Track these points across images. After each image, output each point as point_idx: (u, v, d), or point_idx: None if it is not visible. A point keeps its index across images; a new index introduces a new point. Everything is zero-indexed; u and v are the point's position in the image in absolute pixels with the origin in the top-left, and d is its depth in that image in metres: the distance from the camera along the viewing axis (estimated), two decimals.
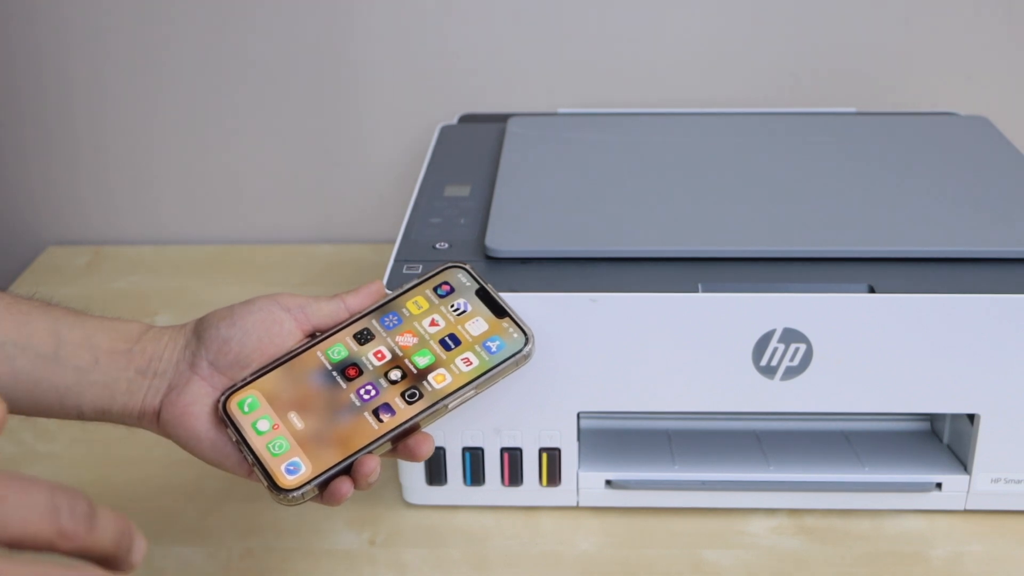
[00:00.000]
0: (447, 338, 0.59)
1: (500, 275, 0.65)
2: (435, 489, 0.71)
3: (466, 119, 0.96)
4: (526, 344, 0.58)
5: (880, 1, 0.98)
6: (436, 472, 0.70)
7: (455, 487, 0.71)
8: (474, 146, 0.87)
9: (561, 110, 0.98)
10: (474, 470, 0.70)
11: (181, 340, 0.58)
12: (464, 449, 0.69)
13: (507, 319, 0.60)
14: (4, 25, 1.01)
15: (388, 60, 1.02)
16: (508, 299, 0.61)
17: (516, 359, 0.58)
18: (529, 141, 0.84)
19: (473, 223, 0.73)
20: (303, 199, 1.09)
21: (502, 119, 0.92)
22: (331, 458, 0.54)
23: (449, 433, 0.69)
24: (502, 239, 0.68)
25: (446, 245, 0.70)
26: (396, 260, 0.69)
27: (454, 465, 0.70)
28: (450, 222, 0.74)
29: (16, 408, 0.56)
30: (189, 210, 1.10)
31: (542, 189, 0.75)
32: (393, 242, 0.71)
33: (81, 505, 0.35)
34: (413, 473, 0.71)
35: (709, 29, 1.00)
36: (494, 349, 0.58)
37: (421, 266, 0.68)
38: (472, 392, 0.57)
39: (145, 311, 0.98)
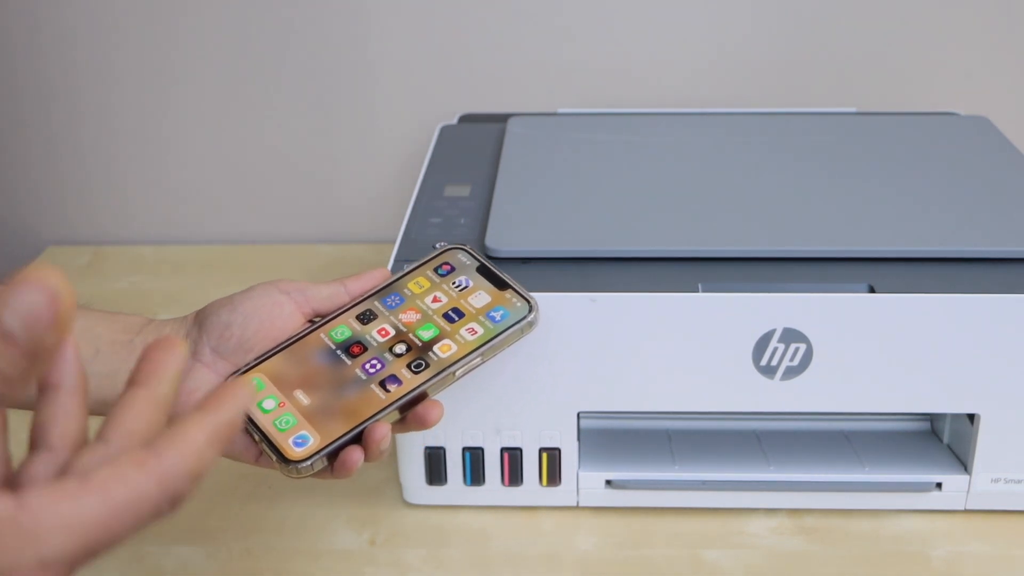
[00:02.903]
0: (450, 312, 0.60)
1: None
2: (435, 489, 0.71)
3: (466, 119, 0.96)
4: (530, 311, 0.59)
5: (880, 1, 0.98)
6: (436, 472, 0.70)
7: (455, 487, 0.71)
8: (474, 146, 0.87)
9: (561, 110, 0.98)
10: (474, 470, 0.70)
11: (182, 330, 0.59)
12: (464, 449, 0.69)
13: (509, 290, 0.60)
14: (5, 26, 1.01)
15: (388, 60, 1.02)
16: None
17: (521, 326, 0.59)
18: (529, 141, 0.84)
19: (473, 223, 0.73)
20: (303, 199, 1.09)
21: (502, 119, 0.92)
22: (339, 428, 0.54)
23: (449, 433, 0.69)
24: (502, 239, 0.68)
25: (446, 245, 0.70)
26: (396, 260, 0.69)
27: (454, 465, 0.70)
28: (450, 222, 0.74)
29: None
30: (189, 210, 1.10)
31: (542, 189, 0.76)
32: (393, 242, 0.71)
33: None
34: (413, 473, 0.71)
35: (709, 29, 1.00)
36: (498, 318, 0.59)
37: None
38: (479, 360, 0.58)
39: (145, 311, 0.97)
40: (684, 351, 0.65)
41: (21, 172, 1.09)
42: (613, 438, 0.73)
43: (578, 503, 0.72)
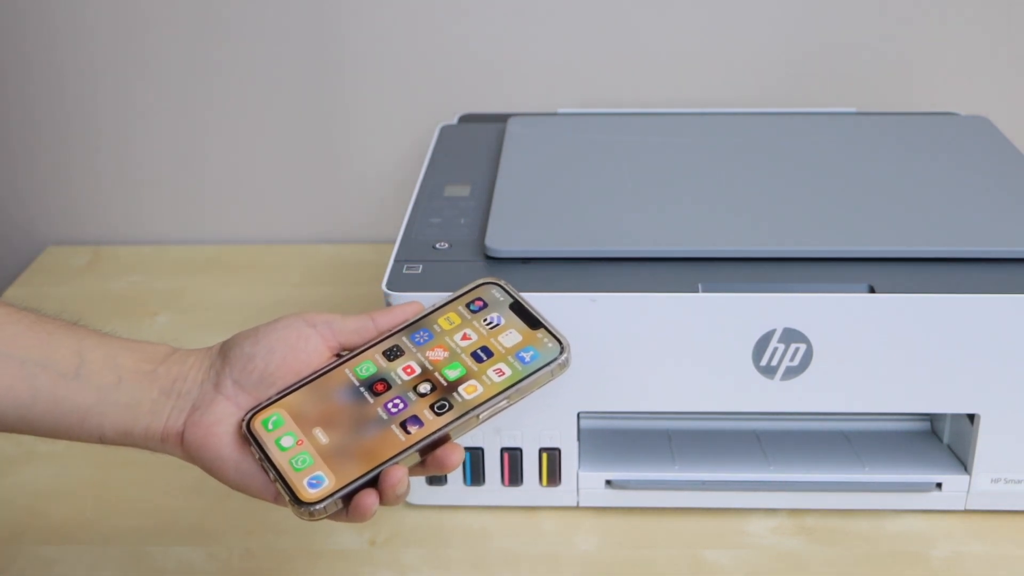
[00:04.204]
0: (479, 350, 0.58)
1: (500, 275, 0.65)
2: (435, 489, 0.71)
3: (466, 119, 0.96)
4: (561, 353, 0.57)
5: (880, 1, 0.98)
6: None
7: (455, 487, 0.71)
8: (474, 146, 0.87)
9: (561, 110, 0.98)
10: (474, 470, 0.70)
11: (207, 361, 0.57)
12: (464, 449, 0.69)
13: (541, 330, 0.58)
14: (2, 26, 1.01)
15: (388, 60, 1.02)
16: (534, 302, 0.60)
17: (551, 368, 0.57)
18: (529, 141, 0.84)
19: (473, 223, 0.73)
20: (303, 199, 1.09)
21: (502, 119, 0.92)
22: (355, 471, 0.53)
23: None
24: (502, 239, 0.68)
25: (446, 245, 0.70)
26: (396, 260, 0.69)
27: None
28: (450, 222, 0.74)
29: (37, 429, 0.55)
30: (189, 210, 1.10)
31: (542, 189, 0.75)
32: (393, 242, 0.71)
33: None
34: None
35: (709, 29, 1.00)
36: (528, 359, 0.57)
37: (421, 266, 0.68)
38: (505, 402, 0.56)
39: (145, 311, 0.98)
40: (684, 351, 0.65)
41: (21, 172, 1.09)
42: (613, 438, 0.73)
43: (578, 503, 0.72)
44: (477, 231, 0.72)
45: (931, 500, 0.70)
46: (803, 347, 0.65)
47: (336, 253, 1.08)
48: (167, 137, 1.06)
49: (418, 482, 0.71)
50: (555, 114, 0.95)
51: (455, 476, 0.70)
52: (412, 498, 0.72)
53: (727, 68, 1.01)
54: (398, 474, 0.53)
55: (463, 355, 0.58)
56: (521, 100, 1.03)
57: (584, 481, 0.71)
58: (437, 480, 0.71)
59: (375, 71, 1.03)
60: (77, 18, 1.01)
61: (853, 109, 0.96)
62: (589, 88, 1.02)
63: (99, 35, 1.02)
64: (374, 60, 1.02)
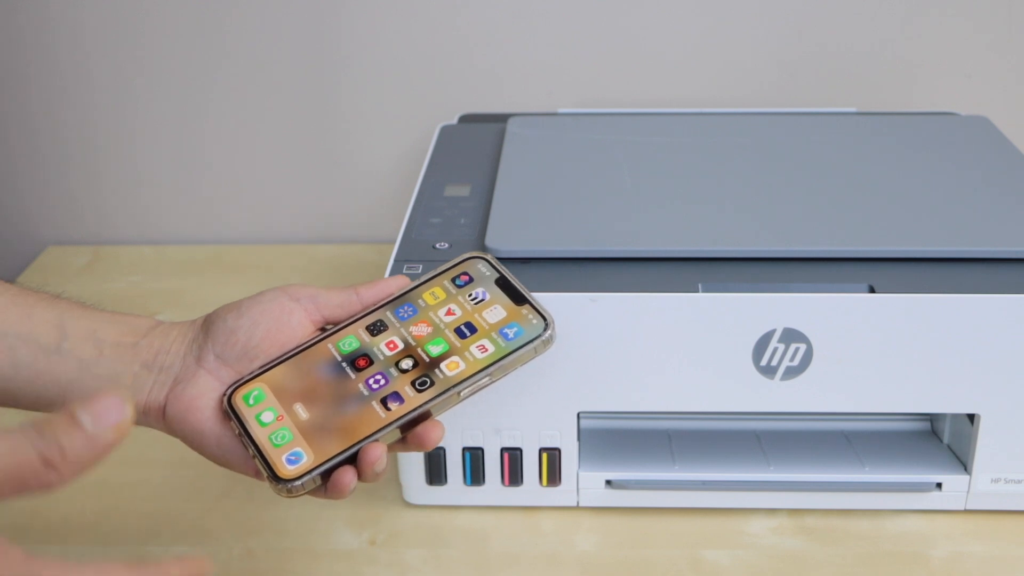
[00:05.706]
0: (463, 326, 0.58)
1: None
2: (435, 489, 0.71)
3: (466, 119, 0.96)
4: (546, 329, 0.57)
5: (880, 1, 0.98)
6: (436, 472, 0.70)
7: (455, 487, 0.71)
8: (474, 146, 0.87)
9: (561, 110, 0.98)
10: (474, 470, 0.70)
11: (189, 334, 0.57)
12: (464, 449, 0.69)
13: (526, 306, 0.58)
14: (3, 26, 1.01)
15: (388, 60, 1.02)
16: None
17: (535, 344, 0.57)
18: (529, 141, 0.84)
19: (473, 223, 0.73)
20: (303, 199, 1.09)
21: (502, 119, 0.92)
22: (334, 448, 0.53)
23: (449, 433, 0.69)
24: (502, 239, 0.68)
25: (446, 245, 0.70)
26: (396, 260, 0.69)
27: (454, 465, 0.70)
28: (450, 222, 0.74)
29: (19, 401, 0.55)
30: (188, 210, 1.10)
31: (542, 189, 0.76)
32: (393, 242, 0.71)
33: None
34: (413, 473, 0.71)
35: (709, 29, 1.00)
36: (511, 336, 0.57)
37: (421, 266, 0.68)
38: (487, 379, 0.56)
39: (145, 311, 0.98)
40: (684, 351, 0.65)
41: (22, 172, 1.09)
42: (613, 438, 0.73)
43: (578, 503, 0.72)
44: (477, 231, 0.72)
45: (931, 500, 0.70)
46: (803, 347, 0.65)
47: (336, 253, 1.08)
48: (167, 137, 1.06)
49: (418, 482, 0.71)
50: (555, 114, 0.95)
51: (455, 476, 0.70)
52: (412, 498, 0.72)
53: (727, 68, 1.01)
54: (377, 452, 0.53)
55: (447, 331, 0.58)
56: (521, 100, 1.03)
57: (584, 481, 0.71)
58: (437, 480, 0.71)
59: (375, 71, 1.03)
60: (76, 18, 1.01)
61: (853, 109, 0.96)
62: (589, 88, 1.02)
63: (99, 35, 1.02)
64: (374, 60, 1.02)
